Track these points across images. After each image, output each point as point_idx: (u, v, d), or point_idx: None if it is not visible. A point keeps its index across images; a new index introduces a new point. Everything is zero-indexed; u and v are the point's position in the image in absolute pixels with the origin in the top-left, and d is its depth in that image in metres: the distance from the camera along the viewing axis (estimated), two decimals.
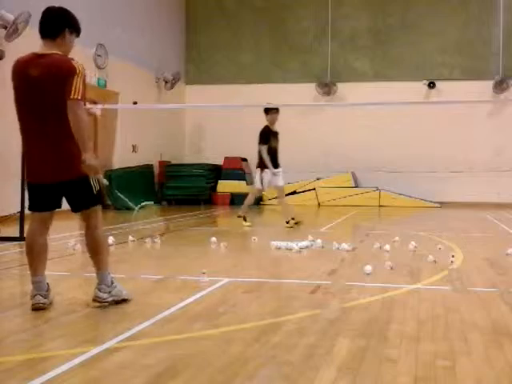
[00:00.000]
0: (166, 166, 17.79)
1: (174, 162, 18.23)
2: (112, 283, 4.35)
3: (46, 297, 4.22)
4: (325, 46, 18.62)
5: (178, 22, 19.29)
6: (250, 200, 10.83)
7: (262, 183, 10.63)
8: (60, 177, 4.20)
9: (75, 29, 4.35)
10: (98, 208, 4.38)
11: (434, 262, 6.43)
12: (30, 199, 4.37)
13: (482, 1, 18.07)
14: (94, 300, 4.29)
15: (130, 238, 8.21)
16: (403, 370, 3.02)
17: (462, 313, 4.27)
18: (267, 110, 10.70)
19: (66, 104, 4.03)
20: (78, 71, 4.07)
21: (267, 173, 10.52)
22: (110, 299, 4.30)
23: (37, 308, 4.14)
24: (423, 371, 3.01)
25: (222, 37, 19.20)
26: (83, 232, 4.45)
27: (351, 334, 3.67)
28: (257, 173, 10.72)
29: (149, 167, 17.01)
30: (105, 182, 4.45)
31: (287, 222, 10.37)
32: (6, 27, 10.79)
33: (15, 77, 4.22)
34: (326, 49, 18.63)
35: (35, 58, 4.17)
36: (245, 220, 10.56)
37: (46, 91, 4.09)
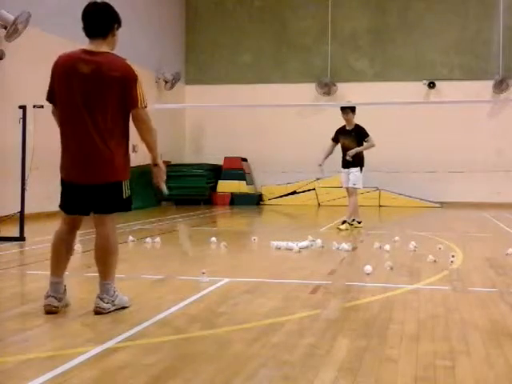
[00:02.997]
0: (166, 166, 17.69)
1: (174, 162, 18.23)
2: (114, 292, 4.16)
3: (60, 300, 4.11)
4: (325, 46, 18.62)
5: (178, 22, 19.29)
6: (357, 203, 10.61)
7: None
8: (100, 179, 4.07)
9: (120, 23, 4.22)
10: (115, 216, 4.21)
11: (434, 261, 6.43)
12: (61, 199, 4.25)
13: (482, 1, 18.07)
14: (97, 312, 4.07)
15: (130, 238, 8.21)
16: (403, 370, 3.02)
17: (462, 313, 4.27)
18: (342, 109, 10.54)
19: (115, 107, 4.00)
20: (138, 77, 4.07)
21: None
22: (112, 309, 4.13)
23: (49, 311, 4.04)
24: (423, 371, 3.01)
25: (222, 37, 19.20)
26: (94, 235, 4.27)
27: (351, 333, 3.67)
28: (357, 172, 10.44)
29: (149, 167, 17.00)
30: (165, 190, 4.33)
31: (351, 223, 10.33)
32: (5, 27, 10.79)
33: (62, 71, 4.06)
34: (325, 49, 18.63)
35: (86, 54, 4.05)
36: (358, 222, 10.47)
37: (96, 90, 3.99)
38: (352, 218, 10.42)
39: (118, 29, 4.20)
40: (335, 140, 10.67)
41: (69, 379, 2.86)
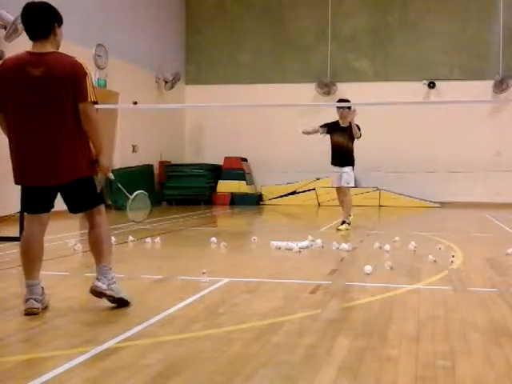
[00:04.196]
0: (166, 166, 17.79)
1: (174, 162, 18.23)
2: (112, 278, 4.24)
3: (39, 301, 4.11)
4: (325, 46, 18.62)
5: (178, 22, 19.29)
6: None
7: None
8: (65, 178, 4.10)
9: (61, 20, 4.20)
10: (102, 207, 4.35)
11: (434, 261, 6.43)
12: (26, 201, 4.28)
13: (482, 1, 18.07)
14: (93, 290, 4.16)
15: (130, 238, 8.21)
16: (403, 370, 3.02)
17: (462, 313, 4.27)
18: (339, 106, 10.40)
19: (70, 105, 4.02)
20: (87, 72, 4.08)
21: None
22: (108, 292, 4.17)
23: (30, 313, 4.04)
24: (423, 371, 3.01)
25: (222, 37, 19.19)
26: (86, 231, 4.40)
27: (351, 333, 3.67)
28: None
29: (149, 167, 17.02)
30: (111, 176, 4.51)
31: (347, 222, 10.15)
32: (5, 27, 10.78)
33: (10, 76, 4.03)
34: (325, 49, 18.63)
35: (34, 56, 4.05)
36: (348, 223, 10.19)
37: (49, 91, 4.00)
38: (349, 217, 10.25)
39: (59, 27, 4.19)
40: (327, 130, 10.34)
41: (69, 379, 2.86)
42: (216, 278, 5.38)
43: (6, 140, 4.23)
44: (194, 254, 7.27)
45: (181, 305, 4.39)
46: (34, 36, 4.11)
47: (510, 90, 17.61)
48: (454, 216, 14.36)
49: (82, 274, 5.80)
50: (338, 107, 10.48)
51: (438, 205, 17.14)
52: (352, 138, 10.23)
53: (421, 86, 17.87)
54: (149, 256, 7.28)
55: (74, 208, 4.33)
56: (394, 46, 18.41)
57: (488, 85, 17.48)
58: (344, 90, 18.22)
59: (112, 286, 4.22)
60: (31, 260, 4.19)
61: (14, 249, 7.46)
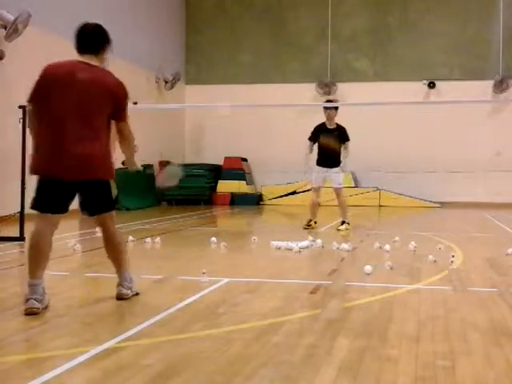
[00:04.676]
0: (166, 165, 17.77)
1: (174, 162, 18.22)
2: (131, 279, 4.60)
3: (40, 301, 4.11)
4: (325, 46, 18.62)
5: (178, 22, 19.29)
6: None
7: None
8: (94, 175, 4.32)
9: (111, 45, 4.59)
10: (113, 212, 4.58)
11: (434, 261, 6.43)
12: (41, 199, 4.28)
13: (482, 1, 18.07)
14: (119, 298, 4.49)
15: (130, 238, 8.20)
16: (403, 370, 3.02)
17: (462, 313, 4.27)
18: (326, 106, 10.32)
19: (107, 115, 4.37)
20: (128, 94, 4.54)
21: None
22: (131, 295, 4.55)
23: (30, 313, 4.04)
24: (423, 371, 3.01)
25: (222, 37, 19.19)
26: (101, 234, 4.64)
27: (351, 333, 3.67)
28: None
29: (149, 167, 17.02)
30: (140, 167, 4.99)
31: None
32: (5, 27, 10.78)
33: (60, 76, 4.27)
34: (325, 49, 18.63)
35: (83, 64, 4.36)
36: (315, 222, 10.14)
37: (94, 96, 4.31)
38: (347, 217, 10.15)
39: (107, 50, 4.55)
40: (314, 139, 10.28)
41: (69, 379, 2.86)
42: (216, 277, 5.38)
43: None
44: (194, 254, 7.27)
45: (181, 305, 4.39)
46: (85, 49, 4.43)
47: (510, 90, 17.61)
48: (454, 216, 14.36)
49: (82, 274, 5.80)
50: (324, 108, 10.40)
51: (437, 205, 17.14)
52: (340, 140, 10.16)
53: (421, 86, 17.87)
54: (149, 256, 7.28)
55: (90, 209, 4.49)
56: (394, 46, 18.41)
57: (488, 85, 17.48)
58: (344, 89, 18.24)
59: (132, 286, 4.62)
60: (37, 259, 4.22)
61: (13, 249, 7.47)
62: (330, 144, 10.09)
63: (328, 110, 10.21)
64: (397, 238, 8.25)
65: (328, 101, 10.64)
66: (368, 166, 17.75)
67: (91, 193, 4.40)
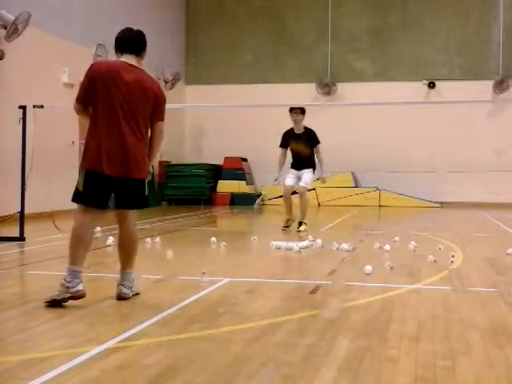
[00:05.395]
0: (166, 166, 17.78)
1: (174, 162, 18.22)
2: (132, 280, 4.64)
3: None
4: (325, 46, 18.62)
5: (178, 22, 19.28)
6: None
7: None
8: (136, 174, 4.46)
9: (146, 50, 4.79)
10: (135, 211, 4.70)
11: (434, 261, 6.43)
12: (87, 192, 4.40)
13: (482, 1, 18.07)
14: (119, 297, 4.50)
15: None
16: (403, 370, 3.02)
17: (462, 313, 4.26)
18: (291, 110, 10.23)
19: (147, 115, 4.58)
20: (165, 97, 4.81)
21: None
22: (131, 295, 4.58)
23: (82, 295, 4.27)
24: (423, 371, 3.01)
25: (222, 37, 19.19)
26: (118, 230, 4.69)
27: (351, 333, 3.67)
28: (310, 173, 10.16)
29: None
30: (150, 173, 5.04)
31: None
32: (5, 27, 10.78)
33: (105, 77, 4.43)
34: (325, 49, 18.63)
35: (127, 65, 4.53)
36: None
37: (138, 96, 4.49)
38: (305, 218, 9.95)
39: (145, 54, 4.74)
40: (285, 145, 10.25)
41: (69, 379, 2.86)
42: (216, 277, 5.38)
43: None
44: (194, 254, 7.27)
45: (181, 305, 4.39)
46: (129, 50, 4.60)
47: (510, 90, 17.61)
48: (454, 216, 14.36)
49: (82, 274, 5.79)
50: (290, 113, 10.23)
51: (437, 205, 17.14)
52: (310, 144, 10.10)
53: (421, 86, 17.87)
54: (149, 256, 7.28)
55: (122, 204, 4.56)
56: (393, 46, 18.41)
57: (488, 85, 17.48)
58: (344, 89, 18.24)
59: (133, 287, 4.64)
60: (80, 248, 4.38)
61: (14, 249, 7.47)
62: (298, 148, 10.11)
63: (294, 115, 10.14)
64: (397, 238, 8.25)
65: (292, 108, 10.53)
66: (368, 166, 17.75)
67: (129, 189, 4.50)
